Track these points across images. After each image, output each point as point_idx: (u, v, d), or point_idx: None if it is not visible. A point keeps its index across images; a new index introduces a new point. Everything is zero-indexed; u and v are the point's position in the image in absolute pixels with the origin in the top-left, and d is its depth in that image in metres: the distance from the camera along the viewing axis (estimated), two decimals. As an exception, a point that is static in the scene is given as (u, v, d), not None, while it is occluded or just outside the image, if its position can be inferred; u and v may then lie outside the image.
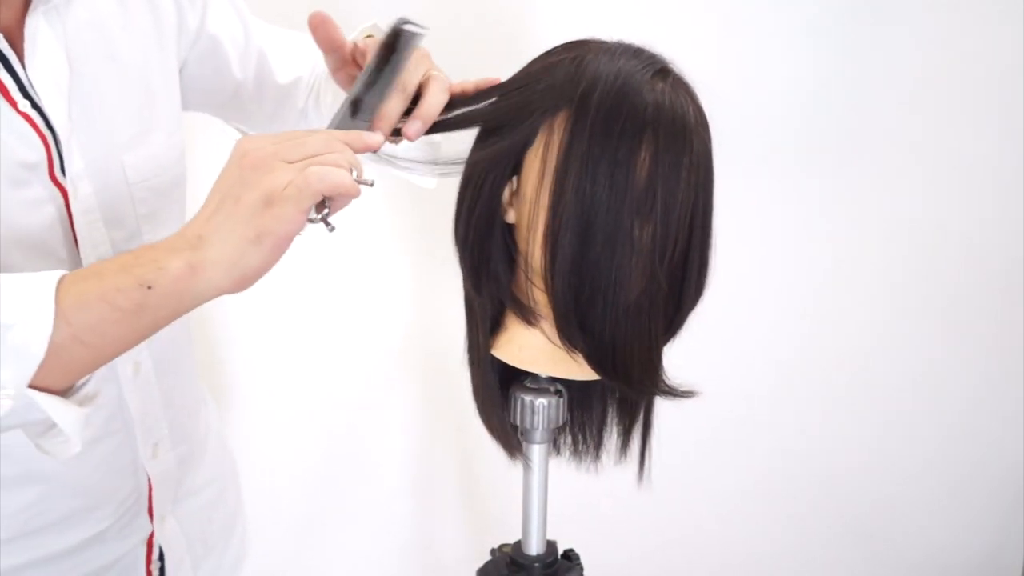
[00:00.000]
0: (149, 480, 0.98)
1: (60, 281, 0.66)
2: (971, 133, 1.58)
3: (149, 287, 0.65)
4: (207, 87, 1.05)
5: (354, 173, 0.69)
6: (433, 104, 0.82)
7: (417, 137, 0.83)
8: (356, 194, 0.69)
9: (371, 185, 0.70)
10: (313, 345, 1.55)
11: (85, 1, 0.87)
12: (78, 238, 0.87)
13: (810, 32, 1.52)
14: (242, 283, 0.67)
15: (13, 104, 0.81)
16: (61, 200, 0.85)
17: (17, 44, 0.82)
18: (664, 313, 0.81)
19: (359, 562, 1.68)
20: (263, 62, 1.09)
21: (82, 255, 0.88)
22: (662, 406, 0.90)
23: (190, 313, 1.00)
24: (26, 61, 0.82)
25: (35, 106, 0.82)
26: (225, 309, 1.49)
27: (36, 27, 0.82)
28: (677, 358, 0.86)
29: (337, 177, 0.66)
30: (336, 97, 1.04)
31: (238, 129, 1.16)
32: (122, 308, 0.66)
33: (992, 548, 1.82)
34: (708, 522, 1.74)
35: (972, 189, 1.62)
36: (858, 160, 1.59)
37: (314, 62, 1.11)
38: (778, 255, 1.62)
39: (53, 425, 0.68)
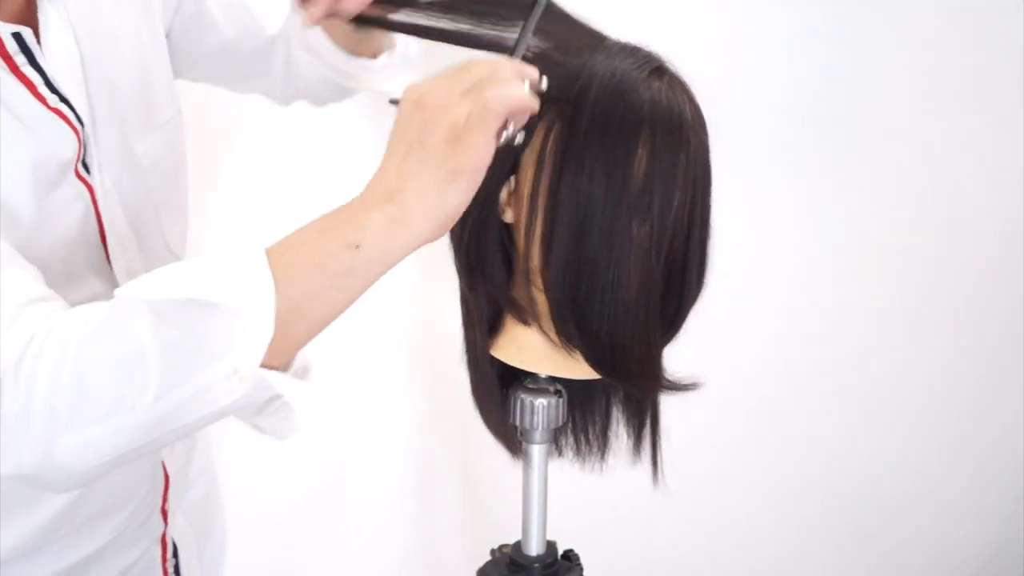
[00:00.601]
0: (167, 476, 0.97)
1: (268, 255, 0.64)
2: (974, 134, 1.58)
3: (357, 246, 0.64)
4: (194, 52, 1.02)
5: (526, 84, 0.66)
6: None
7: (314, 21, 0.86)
8: (535, 107, 0.66)
9: (545, 89, 0.69)
10: (312, 344, 1.55)
11: None
12: (105, 234, 0.86)
13: (811, 32, 1.52)
14: (446, 225, 0.66)
15: (43, 100, 0.79)
16: (88, 196, 0.83)
17: (34, 32, 0.79)
18: (663, 311, 0.81)
19: (359, 562, 1.68)
20: (247, 15, 1.06)
21: (110, 253, 0.86)
22: (667, 407, 0.90)
23: None
24: (40, 48, 0.79)
25: (63, 99, 0.80)
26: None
27: (47, 12, 0.80)
28: (680, 358, 0.86)
29: (513, 93, 0.64)
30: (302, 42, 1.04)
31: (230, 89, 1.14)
32: (335, 272, 0.64)
33: (996, 548, 1.82)
34: (710, 523, 1.74)
35: (975, 190, 1.62)
36: (859, 160, 1.59)
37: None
38: (781, 255, 1.62)
39: (273, 401, 0.66)
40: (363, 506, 1.65)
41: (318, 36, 1.01)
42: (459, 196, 0.64)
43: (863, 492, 1.76)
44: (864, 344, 1.68)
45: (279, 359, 0.65)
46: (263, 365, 0.64)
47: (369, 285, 0.67)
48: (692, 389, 0.86)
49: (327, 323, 0.67)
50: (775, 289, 1.62)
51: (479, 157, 0.64)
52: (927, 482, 1.77)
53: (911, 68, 1.54)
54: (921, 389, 1.71)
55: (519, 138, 0.68)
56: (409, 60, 1.06)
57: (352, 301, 0.67)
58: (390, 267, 0.66)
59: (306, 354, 0.70)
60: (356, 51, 1.03)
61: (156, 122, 0.93)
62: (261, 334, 0.62)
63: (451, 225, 0.66)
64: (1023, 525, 1.80)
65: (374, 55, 1.04)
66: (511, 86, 0.65)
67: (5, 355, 0.61)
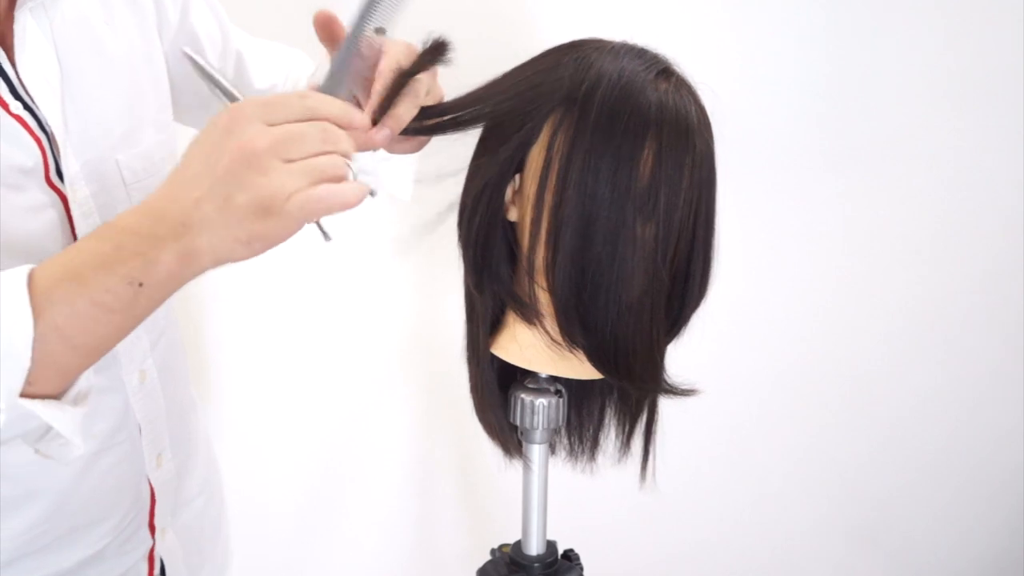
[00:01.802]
0: (152, 492, 0.96)
1: (30, 279, 0.62)
2: (976, 136, 1.58)
3: (140, 284, 0.62)
4: (183, 86, 1.00)
5: (354, 179, 0.64)
6: (403, 115, 0.78)
7: (384, 143, 0.78)
8: (356, 205, 0.64)
9: (374, 196, 0.66)
10: (312, 344, 1.55)
11: None
12: None
13: (815, 31, 1.52)
14: (245, 256, 0.64)
15: (4, 106, 0.78)
16: (61, 205, 0.82)
17: (5, 43, 0.80)
18: (667, 312, 0.81)
19: (358, 562, 1.68)
20: (241, 65, 1.07)
21: None
22: (664, 406, 0.90)
23: (183, 318, 0.98)
24: (16, 60, 0.79)
25: (27, 107, 0.79)
26: (223, 309, 1.49)
27: (24, 24, 0.80)
28: (682, 359, 0.86)
29: (343, 196, 0.62)
30: None
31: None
32: (113, 309, 0.62)
33: (997, 551, 1.82)
34: (709, 524, 1.74)
35: (979, 192, 1.62)
36: (862, 161, 1.59)
37: (288, 71, 1.09)
38: (783, 257, 1.62)
39: (50, 429, 0.65)
40: (363, 506, 1.65)
41: None
42: (247, 255, 0.63)
43: (863, 495, 1.76)
44: (864, 346, 1.68)
45: (51, 387, 0.64)
46: (32, 395, 0.62)
47: (147, 316, 0.65)
48: (691, 395, 0.86)
49: (104, 352, 0.66)
50: (774, 290, 1.62)
51: (281, 236, 0.62)
52: (927, 485, 1.77)
53: (913, 70, 1.54)
54: (921, 391, 1.71)
55: (327, 236, 0.67)
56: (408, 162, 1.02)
57: (130, 331, 0.65)
58: (168, 297, 0.65)
59: (86, 379, 0.67)
60: None
61: (143, 138, 0.91)
62: (17, 364, 0.61)
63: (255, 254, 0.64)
64: (1022, 530, 1.80)
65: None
66: (343, 190, 0.62)
67: None
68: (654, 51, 0.80)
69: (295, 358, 1.55)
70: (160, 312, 0.93)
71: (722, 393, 1.62)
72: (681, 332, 0.85)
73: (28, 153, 0.79)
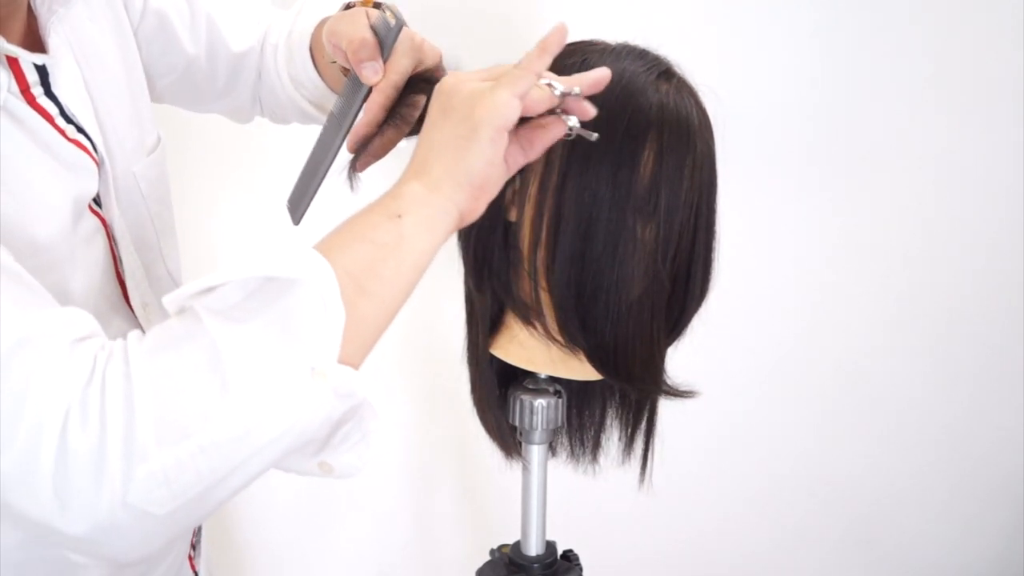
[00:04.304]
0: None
1: (315, 243, 0.61)
2: (976, 136, 1.58)
3: (399, 216, 0.62)
4: (157, 69, 0.96)
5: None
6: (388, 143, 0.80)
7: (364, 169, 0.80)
8: (551, 101, 0.67)
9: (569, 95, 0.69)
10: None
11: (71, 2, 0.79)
12: (120, 268, 0.82)
13: (815, 34, 1.52)
14: (476, 193, 0.65)
15: (62, 133, 0.74)
16: (103, 230, 0.79)
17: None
18: (667, 313, 0.81)
19: (358, 562, 1.68)
20: (213, 31, 0.99)
21: (127, 287, 0.82)
22: (663, 408, 0.90)
23: None
24: (52, 78, 0.74)
25: (80, 130, 0.76)
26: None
27: (55, 41, 0.75)
28: (680, 359, 0.86)
29: (531, 81, 0.65)
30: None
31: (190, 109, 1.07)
32: (383, 243, 0.61)
33: (993, 554, 1.82)
34: (708, 524, 1.74)
35: (976, 193, 1.62)
36: (862, 163, 1.59)
37: (263, 33, 1.03)
38: (781, 258, 1.62)
39: (346, 420, 0.60)
40: (363, 506, 1.65)
41: (308, 71, 0.96)
42: (481, 155, 0.64)
43: (859, 495, 1.76)
44: (861, 346, 1.68)
45: (352, 354, 0.60)
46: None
47: (425, 263, 0.64)
48: (691, 396, 0.86)
49: (397, 306, 0.63)
50: (772, 290, 1.63)
51: (497, 112, 0.63)
52: (923, 486, 1.77)
53: (911, 72, 1.54)
54: (918, 392, 1.71)
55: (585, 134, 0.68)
56: None
57: (410, 282, 0.63)
58: (436, 241, 0.64)
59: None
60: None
61: (148, 145, 0.89)
62: (333, 313, 0.57)
63: (486, 192, 0.65)
64: (1020, 532, 1.79)
65: None
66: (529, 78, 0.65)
67: (68, 394, 0.53)
68: (655, 52, 0.80)
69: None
70: None
71: (721, 393, 1.62)
72: (682, 334, 0.85)
73: (91, 179, 0.76)
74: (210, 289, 0.57)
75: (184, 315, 0.57)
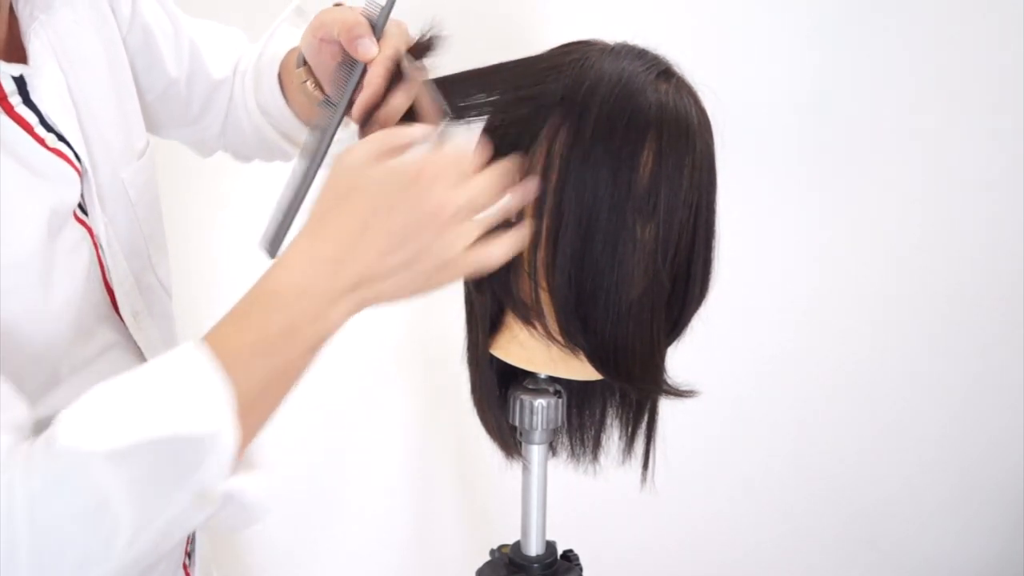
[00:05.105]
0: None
1: (223, 367, 0.60)
2: (974, 135, 1.58)
3: (294, 328, 0.62)
4: (138, 85, 0.94)
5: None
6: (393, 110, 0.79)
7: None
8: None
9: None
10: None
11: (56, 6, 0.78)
12: (108, 278, 0.80)
13: (813, 34, 1.52)
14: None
15: (41, 142, 0.72)
16: (89, 239, 0.78)
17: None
18: (667, 313, 0.81)
19: (357, 562, 1.68)
20: (196, 56, 0.98)
21: (116, 297, 0.81)
22: (663, 407, 0.90)
23: (181, 328, 0.95)
24: (32, 86, 0.73)
25: (60, 138, 0.74)
26: (220, 311, 1.49)
27: (36, 48, 0.74)
28: (679, 358, 0.86)
29: (506, 247, 0.67)
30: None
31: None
32: (295, 373, 0.63)
33: (993, 553, 1.82)
34: (708, 524, 1.74)
35: (973, 191, 1.62)
36: (860, 162, 1.59)
37: (236, 61, 1.02)
38: (780, 257, 1.62)
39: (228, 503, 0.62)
40: (362, 506, 1.65)
41: (275, 98, 0.95)
42: (416, 297, 0.66)
43: (859, 494, 1.76)
44: (860, 345, 1.68)
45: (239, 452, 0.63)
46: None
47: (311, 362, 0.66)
48: (691, 396, 0.86)
49: (273, 414, 0.66)
50: (772, 290, 1.63)
51: (450, 283, 0.67)
52: (923, 485, 1.77)
53: (909, 71, 1.55)
54: (918, 391, 1.71)
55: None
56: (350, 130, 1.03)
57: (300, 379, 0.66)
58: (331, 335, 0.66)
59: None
60: (309, 120, 0.95)
61: (137, 149, 0.87)
62: (225, 456, 0.59)
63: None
64: (1020, 530, 1.79)
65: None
66: (506, 242, 0.67)
67: None
68: (654, 52, 0.79)
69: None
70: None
71: (721, 393, 1.62)
72: (681, 334, 0.85)
73: (72, 188, 0.75)
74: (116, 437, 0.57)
75: (77, 456, 0.56)
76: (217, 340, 0.61)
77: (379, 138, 0.66)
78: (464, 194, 0.65)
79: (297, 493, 1.61)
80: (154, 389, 0.59)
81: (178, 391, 0.59)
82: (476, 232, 0.66)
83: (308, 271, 0.63)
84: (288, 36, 0.97)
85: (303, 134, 0.94)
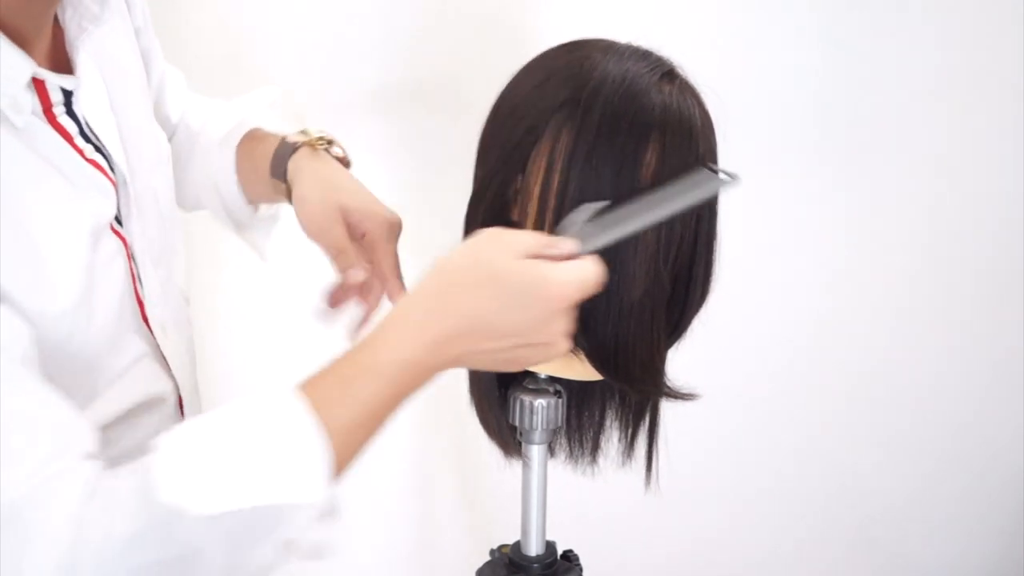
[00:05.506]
0: None
1: (321, 437, 0.62)
2: (979, 134, 1.58)
3: (400, 394, 0.68)
4: None
5: None
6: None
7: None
8: None
9: None
10: (312, 344, 1.55)
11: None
12: (140, 289, 0.80)
13: (817, 34, 1.52)
14: None
15: (80, 152, 0.72)
16: (124, 250, 0.77)
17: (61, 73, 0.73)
18: (668, 315, 0.81)
19: (358, 562, 1.67)
20: (163, 91, 0.99)
21: (146, 307, 0.81)
22: (666, 409, 0.90)
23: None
24: (76, 96, 0.73)
25: (97, 149, 0.74)
26: (220, 311, 1.49)
27: (82, 57, 0.74)
28: (682, 360, 0.86)
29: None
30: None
31: None
32: (379, 427, 0.68)
33: (998, 556, 1.82)
34: (710, 526, 1.74)
35: (981, 192, 1.61)
36: (864, 163, 1.59)
37: (189, 104, 1.03)
38: (783, 259, 1.62)
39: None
40: (362, 506, 1.65)
41: (231, 185, 0.99)
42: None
43: (864, 497, 1.76)
44: (867, 349, 1.68)
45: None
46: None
47: None
48: (691, 399, 0.86)
49: None
50: (774, 292, 1.62)
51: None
52: (928, 487, 1.76)
53: (913, 71, 1.54)
54: (924, 394, 1.71)
55: None
56: (274, 218, 1.06)
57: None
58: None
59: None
60: (254, 202, 1.02)
61: (164, 153, 0.88)
62: (317, 513, 0.62)
63: None
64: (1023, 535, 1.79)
65: (257, 207, 1.04)
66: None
67: (56, 545, 0.56)
68: (658, 53, 0.79)
69: (295, 358, 1.55)
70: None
71: (724, 395, 1.62)
72: (682, 336, 0.85)
73: (108, 201, 0.75)
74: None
75: (171, 510, 0.57)
76: (323, 406, 0.63)
77: (532, 238, 0.68)
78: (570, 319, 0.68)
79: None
80: (258, 450, 0.60)
81: (282, 459, 0.61)
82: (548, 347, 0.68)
83: (419, 349, 0.66)
84: (258, 117, 1.00)
85: (243, 213, 1.01)
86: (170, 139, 1.00)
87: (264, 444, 0.61)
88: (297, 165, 0.92)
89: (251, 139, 0.99)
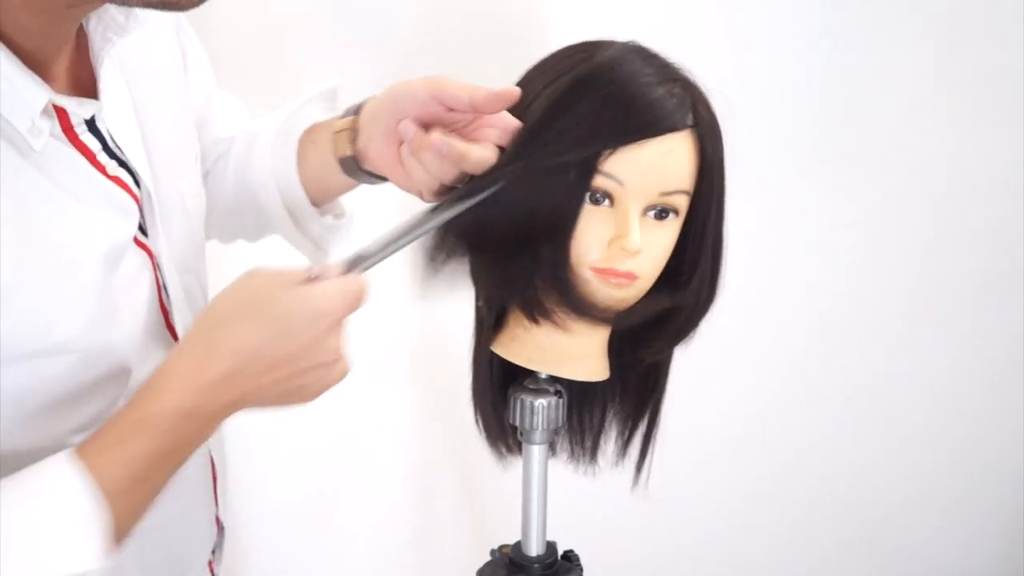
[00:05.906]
0: (220, 530, 0.94)
1: (96, 502, 0.60)
2: (979, 135, 1.58)
3: (177, 448, 0.64)
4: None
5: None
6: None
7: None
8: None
9: None
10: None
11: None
12: (166, 298, 0.79)
13: (820, 35, 1.52)
14: None
15: (102, 169, 0.70)
16: (150, 263, 0.76)
17: (82, 90, 0.71)
18: (672, 317, 0.82)
19: (358, 562, 1.67)
20: (209, 104, 0.96)
21: (172, 317, 0.80)
22: (666, 410, 0.90)
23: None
24: (97, 116, 0.71)
25: (121, 164, 0.72)
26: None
27: (107, 70, 0.72)
28: (682, 360, 0.86)
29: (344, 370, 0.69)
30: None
31: None
32: (162, 482, 0.65)
33: (997, 559, 1.82)
34: (709, 527, 1.74)
35: (981, 192, 1.62)
36: (868, 165, 1.59)
37: (240, 129, 0.98)
38: (786, 261, 1.62)
39: None
40: (363, 506, 1.65)
41: (291, 173, 0.92)
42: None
43: (862, 499, 1.76)
44: (867, 351, 1.68)
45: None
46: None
47: None
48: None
49: None
50: (777, 294, 1.62)
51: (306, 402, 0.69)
52: (927, 489, 1.77)
53: (913, 71, 1.55)
54: (922, 396, 1.71)
55: None
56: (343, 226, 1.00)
57: None
58: None
59: None
60: (317, 203, 0.95)
61: (195, 154, 0.86)
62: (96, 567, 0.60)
63: None
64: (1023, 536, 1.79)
65: (324, 211, 0.97)
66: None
67: None
68: (664, 56, 0.79)
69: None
70: None
71: (724, 396, 1.63)
72: (690, 338, 0.85)
73: (130, 217, 0.73)
74: None
75: None
76: (99, 467, 0.61)
77: (295, 270, 0.66)
78: (342, 337, 0.67)
79: (298, 494, 1.61)
80: (32, 522, 0.59)
81: (57, 530, 0.59)
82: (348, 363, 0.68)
83: (194, 396, 0.63)
84: (312, 114, 0.94)
85: (303, 213, 0.94)
86: (221, 157, 0.98)
87: (38, 516, 0.59)
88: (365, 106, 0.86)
89: (311, 131, 0.93)
